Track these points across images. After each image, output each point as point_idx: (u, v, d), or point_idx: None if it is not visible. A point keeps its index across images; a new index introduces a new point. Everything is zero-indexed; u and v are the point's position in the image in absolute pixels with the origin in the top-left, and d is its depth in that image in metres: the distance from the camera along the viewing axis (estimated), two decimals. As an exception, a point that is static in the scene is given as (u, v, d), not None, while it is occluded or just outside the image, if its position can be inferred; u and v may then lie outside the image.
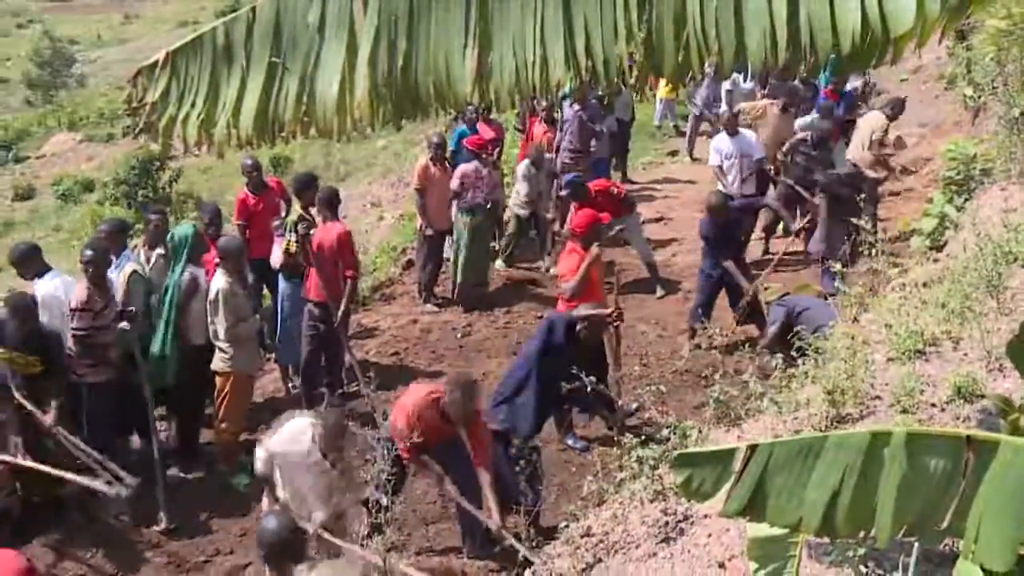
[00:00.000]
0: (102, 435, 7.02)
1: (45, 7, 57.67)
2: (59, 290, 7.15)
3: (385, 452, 5.89)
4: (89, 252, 7.11)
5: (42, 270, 7.27)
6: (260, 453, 5.70)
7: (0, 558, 4.67)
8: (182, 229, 7.80)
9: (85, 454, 6.68)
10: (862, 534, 2.54)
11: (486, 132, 11.31)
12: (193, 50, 2.88)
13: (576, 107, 11.72)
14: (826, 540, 3.65)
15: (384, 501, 3.82)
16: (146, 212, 7.48)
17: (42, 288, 7.17)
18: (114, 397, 7.16)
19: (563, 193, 10.72)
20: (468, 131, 11.32)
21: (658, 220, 12.43)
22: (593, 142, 11.86)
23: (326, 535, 5.49)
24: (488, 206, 10.44)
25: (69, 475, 6.59)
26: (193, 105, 2.84)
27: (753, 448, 2.54)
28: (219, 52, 2.86)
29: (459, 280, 10.49)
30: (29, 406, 6.69)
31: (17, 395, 6.69)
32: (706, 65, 2.81)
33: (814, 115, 11.13)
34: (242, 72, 2.84)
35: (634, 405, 7.30)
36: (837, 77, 12.38)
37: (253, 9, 2.89)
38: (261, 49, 2.82)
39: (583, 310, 7.00)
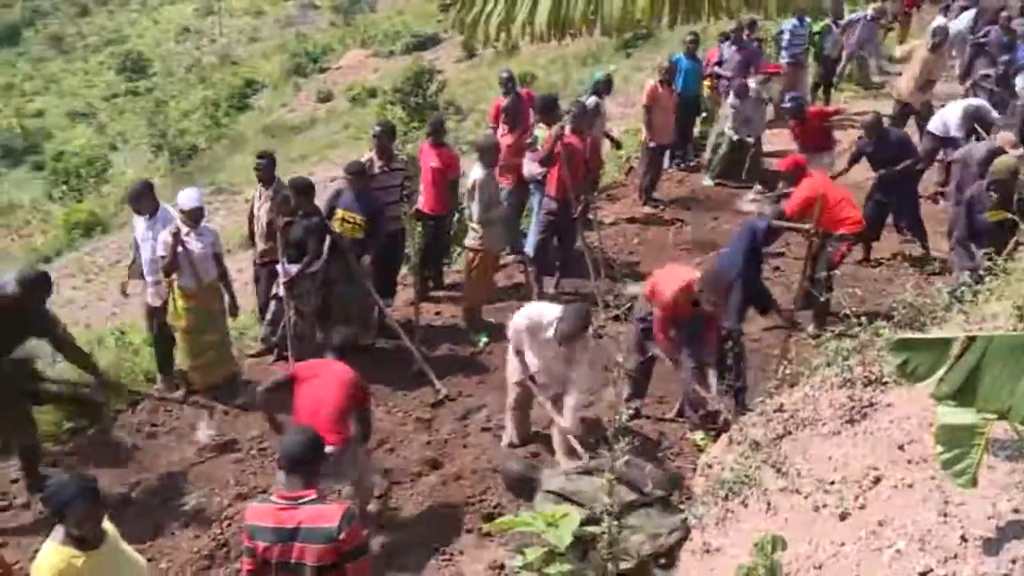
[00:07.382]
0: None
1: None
2: None
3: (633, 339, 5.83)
4: (378, 128, 7.85)
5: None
6: (513, 323, 5.67)
7: (335, 368, 5.01)
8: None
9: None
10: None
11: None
12: (501, -45, 2.82)
13: (735, 48, 11.24)
14: (1005, 436, 3.36)
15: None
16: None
17: None
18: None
19: (785, 105, 10.11)
20: (685, 59, 10.83)
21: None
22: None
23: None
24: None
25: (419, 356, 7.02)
26: (496, 3, 2.81)
27: (972, 339, 2.32)
28: (521, -42, 2.78)
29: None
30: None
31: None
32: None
33: None
34: (539, -25, 2.75)
35: None
36: None
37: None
38: (558, -46, 2.72)
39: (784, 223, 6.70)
